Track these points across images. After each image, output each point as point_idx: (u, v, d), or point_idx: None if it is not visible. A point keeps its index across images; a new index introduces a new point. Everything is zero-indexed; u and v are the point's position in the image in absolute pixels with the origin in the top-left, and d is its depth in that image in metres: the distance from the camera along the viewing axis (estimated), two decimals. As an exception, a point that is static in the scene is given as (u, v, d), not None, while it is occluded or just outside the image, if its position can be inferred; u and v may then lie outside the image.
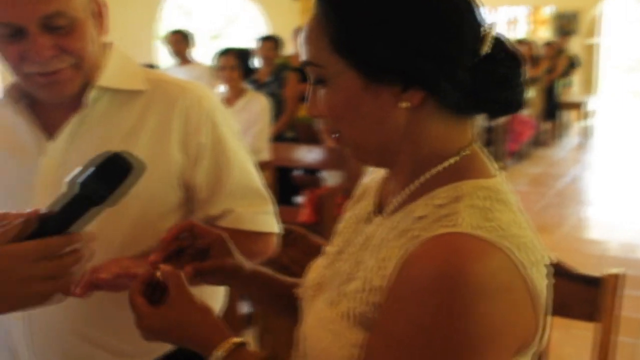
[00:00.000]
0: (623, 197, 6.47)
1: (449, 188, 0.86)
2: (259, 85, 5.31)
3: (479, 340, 0.76)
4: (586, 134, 10.07)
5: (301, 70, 6.08)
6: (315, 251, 1.14)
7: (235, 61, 4.33)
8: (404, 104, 0.85)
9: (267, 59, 5.45)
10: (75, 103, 1.29)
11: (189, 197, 1.36)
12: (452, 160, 0.89)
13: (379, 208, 0.99)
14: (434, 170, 0.89)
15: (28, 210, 1.24)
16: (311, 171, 4.59)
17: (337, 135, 0.92)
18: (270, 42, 5.58)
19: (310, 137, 4.99)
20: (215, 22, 11.55)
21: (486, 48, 0.85)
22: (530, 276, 0.79)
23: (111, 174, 0.91)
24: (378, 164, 0.96)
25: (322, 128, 1.03)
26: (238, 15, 10.83)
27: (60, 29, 1.17)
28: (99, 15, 1.28)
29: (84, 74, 1.25)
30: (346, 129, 0.90)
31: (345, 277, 0.92)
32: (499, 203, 0.84)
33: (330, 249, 1.06)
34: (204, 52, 7.72)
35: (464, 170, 0.88)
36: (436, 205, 0.84)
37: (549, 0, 12.16)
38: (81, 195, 0.88)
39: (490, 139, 7.08)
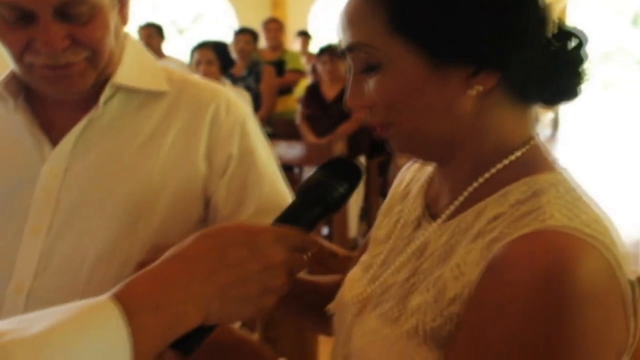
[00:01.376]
0: (590, 189, 6.44)
1: (522, 183, 0.78)
2: (235, 80, 5.20)
3: (586, 349, 0.68)
4: (555, 125, 10.14)
5: (277, 64, 5.98)
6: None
7: (212, 55, 4.20)
8: (474, 90, 0.77)
9: (243, 53, 5.29)
10: (82, 101, 1.14)
11: (208, 214, 1.22)
12: (518, 153, 0.81)
13: (430, 211, 0.90)
14: (500, 165, 0.81)
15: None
16: (289, 168, 4.47)
17: (388, 127, 0.82)
18: (246, 35, 5.41)
19: (289, 133, 4.88)
20: (182, 15, 11.33)
21: (552, 28, 0.79)
22: (622, 276, 0.72)
23: (353, 182, 0.84)
24: (434, 158, 0.87)
25: (367, 121, 0.89)
26: (206, 8, 10.63)
27: (78, 17, 1.03)
28: (122, 2, 1.13)
29: (99, 69, 1.10)
30: (403, 119, 0.80)
31: (404, 291, 0.83)
32: (580, 197, 0.77)
33: (368, 259, 0.97)
34: (171, 47, 7.53)
35: (532, 163, 0.81)
36: (512, 204, 0.76)
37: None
38: (331, 207, 0.81)
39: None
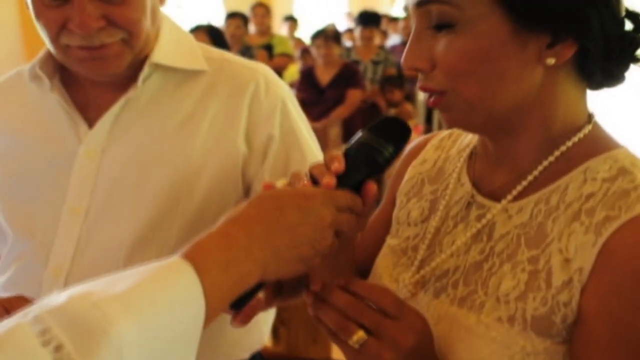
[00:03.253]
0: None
1: (600, 161, 0.77)
2: (227, 65, 5.11)
3: None
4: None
5: (265, 48, 5.93)
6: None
7: (206, 38, 4.11)
8: (550, 60, 0.74)
9: (234, 38, 5.22)
10: (119, 80, 1.11)
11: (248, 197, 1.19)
12: (586, 130, 0.80)
13: (482, 190, 0.86)
14: (569, 142, 0.79)
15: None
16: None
17: (445, 94, 0.78)
18: (237, 20, 5.34)
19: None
20: None
21: (625, 6, 0.77)
22: None
23: (400, 143, 0.83)
24: (492, 132, 0.83)
25: (420, 85, 0.80)
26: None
27: None
28: None
29: (135, 51, 1.07)
30: (467, 86, 0.75)
31: (481, 274, 0.80)
32: None
33: (399, 242, 0.93)
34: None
35: (602, 139, 0.80)
36: (601, 182, 0.74)
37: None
38: (378, 168, 0.80)
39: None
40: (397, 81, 5.32)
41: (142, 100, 1.12)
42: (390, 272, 0.92)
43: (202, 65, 1.15)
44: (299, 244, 0.72)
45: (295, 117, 1.19)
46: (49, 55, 1.13)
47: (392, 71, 5.67)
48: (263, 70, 1.20)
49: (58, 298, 0.58)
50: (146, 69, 1.10)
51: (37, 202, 1.13)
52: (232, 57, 1.22)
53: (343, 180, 0.77)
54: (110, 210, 1.11)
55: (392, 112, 5.29)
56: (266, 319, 1.29)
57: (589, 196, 0.74)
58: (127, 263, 1.10)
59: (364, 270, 0.98)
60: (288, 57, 6.51)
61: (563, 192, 0.77)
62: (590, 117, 0.82)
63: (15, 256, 1.17)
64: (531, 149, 0.81)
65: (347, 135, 4.74)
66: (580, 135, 0.79)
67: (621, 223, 0.70)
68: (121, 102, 1.11)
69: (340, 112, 4.71)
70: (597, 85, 0.81)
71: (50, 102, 1.14)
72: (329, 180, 0.76)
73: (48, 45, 1.07)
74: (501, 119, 0.79)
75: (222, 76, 1.16)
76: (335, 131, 4.46)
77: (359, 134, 0.83)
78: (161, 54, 1.12)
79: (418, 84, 0.80)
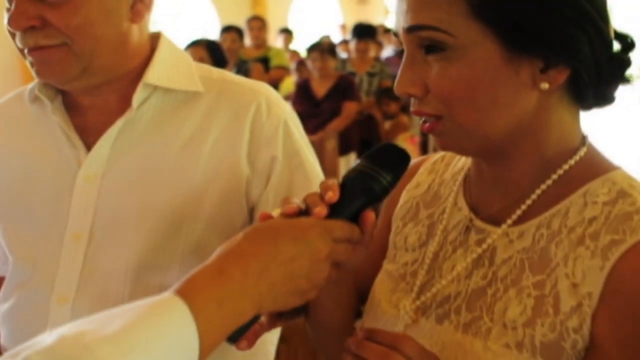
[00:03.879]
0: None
1: (599, 184, 0.77)
2: (223, 78, 5.12)
3: None
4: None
5: (261, 61, 5.96)
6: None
7: (204, 53, 4.13)
8: (544, 84, 0.74)
9: (230, 51, 5.22)
10: (119, 103, 1.10)
11: (254, 220, 1.15)
12: (582, 153, 0.80)
13: (479, 214, 0.86)
14: (566, 166, 0.79)
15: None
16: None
17: (440, 119, 0.77)
18: (232, 34, 5.37)
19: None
20: (162, 13, 11.22)
21: (613, 28, 0.78)
22: None
23: (398, 170, 0.81)
24: (487, 157, 0.83)
25: (413, 109, 0.82)
26: (186, 6, 10.54)
27: None
28: None
29: (84, 60, 1.03)
30: (462, 112, 0.75)
31: (485, 300, 0.80)
32: None
33: (397, 267, 0.93)
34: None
35: (597, 161, 0.81)
36: (604, 203, 0.75)
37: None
38: (375, 197, 0.79)
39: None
40: (393, 93, 5.28)
41: (141, 122, 1.11)
42: (389, 298, 0.91)
43: (198, 86, 1.13)
44: (295, 277, 0.72)
45: (297, 138, 1.17)
46: None
47: (388, 83, 5.69)
48: (265, 90, 1.17)
49: (49, 338, 0.57)
50: (140, 91, 1.08)
51: (38, 228, 1.12)
52: (232, 78, 1.20)
53: (340, 209, 0.77)
54: (113, 235, 1.09)
55: (388, 123, 5.32)
56: (272, 338, 1.27)
57: (592, 220, 0.75)
58: (133, 288, 1.09)
59: (361, 294, 0.98)
60: (284, 70, 6.53)
61: (564, 216, 0.77)
62: (584, 139, 0.82)
63: (18, 282, 1.15)
64: (527, 172, 0.81)
65: (343, 147, 4.76)
66: (577, 157, 0.80)
67: (628, 247, 0.71)
68: (118, 124, 1.09)
69: (337, 125, 4.73)
70: (588, 106, 0.81)
71: (51, 124, 1.13)
72: (320, 210, 0.75)
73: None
74: (496, 143, 0.79)
75: (223, 97, 1.14)
76: (331, 143, 4.48)
77: (357, 162, 0.82)
78: (156, 75, 1.10)
79: (412, 108, 0.80)
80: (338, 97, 4.86)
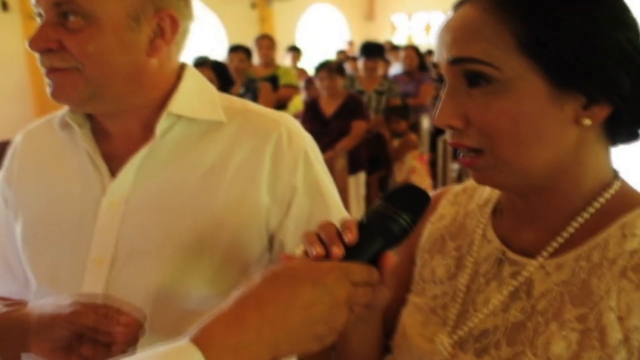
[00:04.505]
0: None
1: (637, 214, 0.78)
2: (232, 97, 5.14)
3: None
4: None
5: (270, 80, 5.99)
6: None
7: (211, 74, 4.15)
8: (586, 120, 0.75)
9: (238, 71, 5.27)
10: (144, 131, 1.13)
11: (273, 248, 1.18)
12: (616, 186, 0.81)
13: (511, 247, 0.86)
14: (602, 199, 0.80)
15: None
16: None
17: (480, 153, 0.77)
18: (240, 53, 5.40)
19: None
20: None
21: None
22: None
23: (418, 212, 0.81)
24: (525, 191, 0.82)
25: (452, 142, 0.81)
26: (194, 23, 10.63)
27: (68, 22, 1.01)
28: (161, 32, 1.09)
29: (93, 85, 1.05)
30: (503, 146, 0.75)
31: (527, 334, 0.78)
32: None
33: (426, 300, 0.92)
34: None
35: (632, 193, 0.82)
36: None
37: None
38: (395, 239, 0.79)
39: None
40: (402, 111, 5.36)
41: (165, 150, 1.13)
42: (420, 332, 0.90)
43: (221, 116, 1.16)
44: (314, 322, 0.71)
45: (317, 169, 1.19)
46: None
47: (397, 101, 5.71)
48: (286, 121, 1.19)
49: None
50: (163, 120, 1.11)
51: (61, 252, 1.14)
52: (255, 108, 1.22)
53: (358, 251, 0.76)
54: (135, 260, 1.11)
55: (397, 142, 5.32)
56: None
57: (633, 253, 0.75)
58: (154, 314, 1.09)
59: (385, 329, 0.97)
60: (293, 88, 6.56)
61: (604, 249, 0.77)
62: (616, 173, 0.83)
63: None
64: (563, 206, 0.81)
65: (352, 166, 4.76)
66: (612, 191, 0.81)
67: None
68: (142, 152, 1.12)
69: (346, 144, 4.73)
70: (620, 142, 0.82)
71: (78, 150, 1.16)
72: (337, 251, 0.75)
73: None
74: (534, 179, 0.79)
75: (245, 127, 1.16)
76: (340, 162, 4.48)
77: (375, 204, 0.82)
78: (180, 105, 1.12)
79: (449, 140, 0.80)
80: (347, 116, 4.87)
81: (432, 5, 13.84)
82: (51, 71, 1.05)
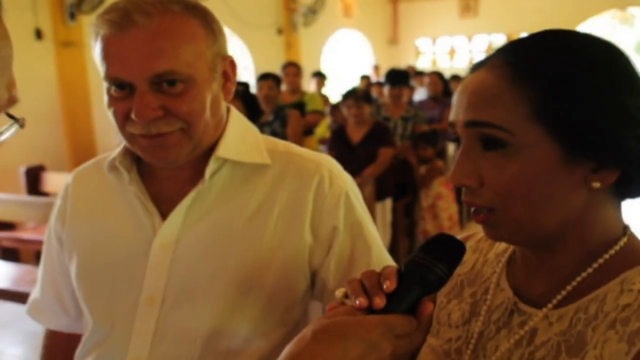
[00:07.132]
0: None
1: (637, 272, 0.80)
2: (261, 126, 5.22)
3: None
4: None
5: (297, 106, 6.06)
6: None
7: (239, 104, 4.20)
8: (595, 184, 0.79)
9: (267, 99, 5.33)
10: (191, 173, 1.18)
11: (315, 286, 1.23)
12: (622, 243, 0.84)
13: (522, 297, 0.89)
14: (607, 255, 0.83)
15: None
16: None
17: (492, 211, 0.81)
18: (269, 81, 5.46)
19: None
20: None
21: None
22: None
23: (453, 261, 0.84)
24: (534, 247, 0.87)
25: (466, 200, 0.85)
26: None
27: (172, 89, 1.06)
28: (226, 76, 1.16)
29: (195, 141, 1.13)
30: (515, 207, 0.79)
31: None
32: None
33: (440, 343, 0.96)
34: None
35: (638, 250, 0.84)
36: (639, 290, 0.78)
37: (524, 27, 12.38)
38: (431, 287, 0.82)
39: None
40: (430, 138, 5.39)
41: (212, 192, 1.18)
42: None
43: (265, 159, 1.21)
44: None
45: (358, 209, 1.23)
46: (127, 149, 1.21)
47: (423, 127, 5.75)
48: (327, 163, 1.24)
49: None
50: (212, 164, 1.16)
51: (115, 291, 1.19)
52: (297, 150, 1.27)
53: (398, 300, 0.80)
54: (185, 299, 1.15)
55: (424, 168, 5.36)
56: None
57: (625, 306, 0.77)
58: (202, 352, 1.15)
59: None
60: (320, 114, 6.64)
61: (602, 302, 0.80)
62: (625, 229, 0.86)
63: (95, 343, 1.22)
64: (570, 260, 0.84)
65: (379, 192, 4.80)
66: (617, 247, 0.83)
67: None
68: (192, 195, 1.16)
69: (373, 170, 4.77)
70: (630, 198, 0.85)
71: (128, 193, 1.21)
72: (379, 302, 0.79)
73: (119, 134, 1.15)
74: (545, 236, 0.82)
75: (289, 169, 1.21)
76: (368, 189, 4.52)
77: (412, 254, 0.86)
78: (227, 149, 1.17)
79: (464, 198, 0.84)
80: (373, 143, 4.91)
81: (456, 30, 13.96)
82: (157, 136, 1.09)
